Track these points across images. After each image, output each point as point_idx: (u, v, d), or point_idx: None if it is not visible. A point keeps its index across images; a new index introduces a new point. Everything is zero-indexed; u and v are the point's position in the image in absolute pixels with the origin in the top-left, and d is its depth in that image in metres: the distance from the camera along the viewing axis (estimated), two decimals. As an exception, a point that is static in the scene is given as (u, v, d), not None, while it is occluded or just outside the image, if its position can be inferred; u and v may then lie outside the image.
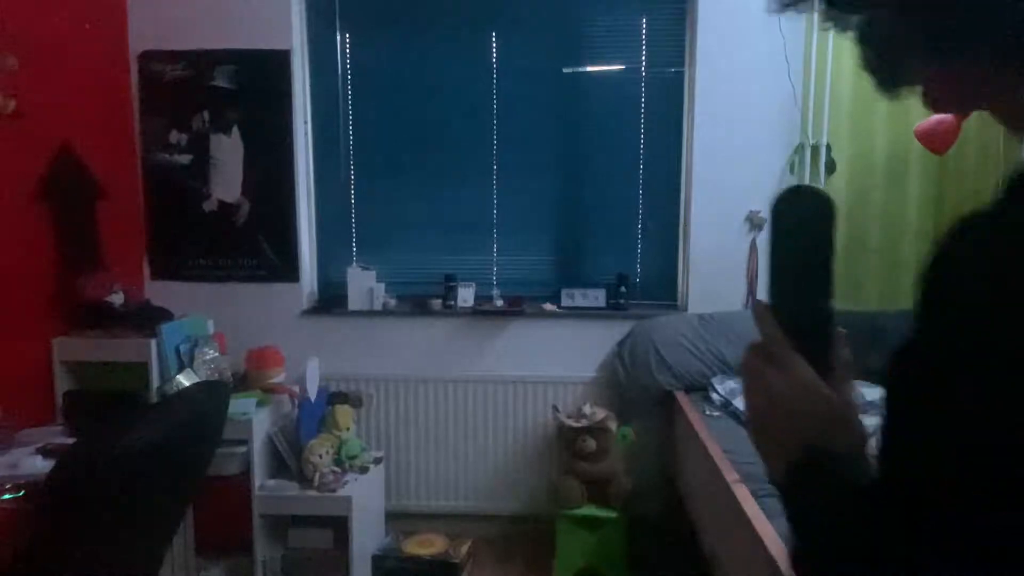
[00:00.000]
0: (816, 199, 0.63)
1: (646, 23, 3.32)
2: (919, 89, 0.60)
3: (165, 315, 2.94)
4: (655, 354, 3.14)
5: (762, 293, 3.28)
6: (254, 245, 3.35)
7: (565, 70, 3.35)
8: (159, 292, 3.28)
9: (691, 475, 2.82)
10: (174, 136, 3.32)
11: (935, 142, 2.82)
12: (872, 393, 2.83)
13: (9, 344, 2.59)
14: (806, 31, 3.14)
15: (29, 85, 2.62)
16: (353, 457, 2.96)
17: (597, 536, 2.95)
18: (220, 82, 3.27)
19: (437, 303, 3.33)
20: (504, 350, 3.35)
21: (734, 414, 2.72)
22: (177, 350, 2.83)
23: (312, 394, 2.97)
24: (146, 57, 3.29)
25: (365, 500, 2.93)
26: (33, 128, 2.66)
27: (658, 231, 3.41)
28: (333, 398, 3.10)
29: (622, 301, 3.32)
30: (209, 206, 3.34)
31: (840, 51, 3.15)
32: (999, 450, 0.48)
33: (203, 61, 3.27)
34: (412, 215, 3.43)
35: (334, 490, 2.80)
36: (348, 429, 2.99)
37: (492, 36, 3.32)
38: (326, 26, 3.39)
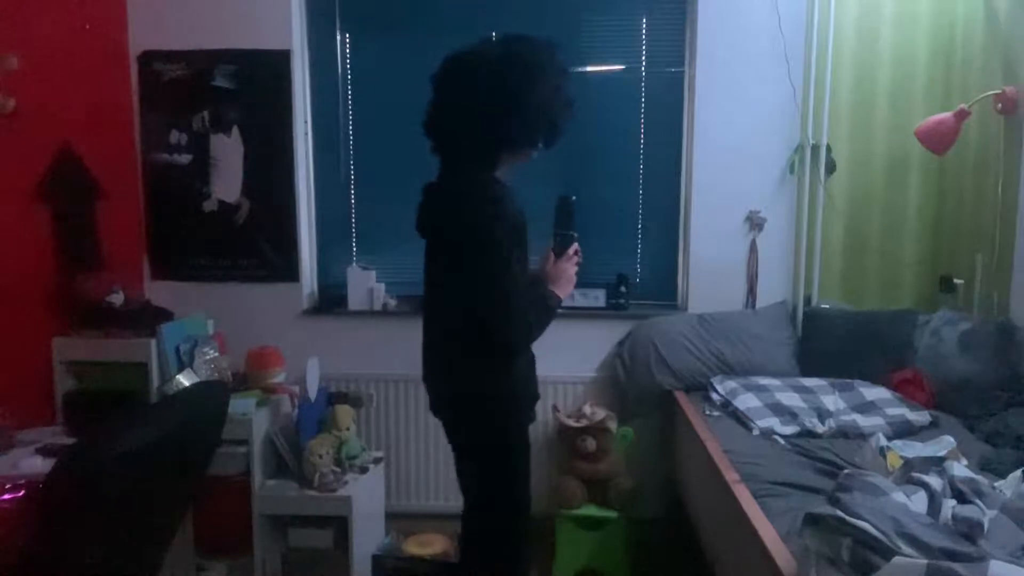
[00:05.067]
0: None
1: (646, 23, 3.32)
2: None
3: (165, 315, 2.94)
4: (655, 354, 3.14)
5: (763, 292, 3.28)
6: (254, 245, 3.35)
7: (565, 70, 3.35)
8: (159, 292, 3.28)
9: (691, 475, 2.82)
10: (174, 136, 3.32)
11: (935, 142, 2.82)
12: (872, 393, 2.82)
13: (9, 344, 2.59)
14: (806, 31, 3.14)
15: (29, 85, 2.62)
16: (353, 457, 2.96)
17: (597, 536, 2.95)
18: (220, 82, 3.27)
19: (437, 303, 3.32)
20: (504, 350, 3.34)
21: (734, 414, 2.72)
22: (177, 350, 2.83)
23: (312, 394, 2.97)
24: (146, 57, 3.29)
25: (365, 500, 2.92)
26: (33, 128, 2.66)
27: (658, 231, 3.41)
28: (333, 398, 3.10)
29: (622, 301, 3.32)
30: (209, 206, 3.34)
31: (840, 51, 3.15)
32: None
33: (203, 61, 3.27)
34: (412, 215, 3.40)
35: (334, 490, 2.80)
36: (348, 429, 2.98)
37: (492, 36, 3.31)
38: (326, 26, 3.39)
